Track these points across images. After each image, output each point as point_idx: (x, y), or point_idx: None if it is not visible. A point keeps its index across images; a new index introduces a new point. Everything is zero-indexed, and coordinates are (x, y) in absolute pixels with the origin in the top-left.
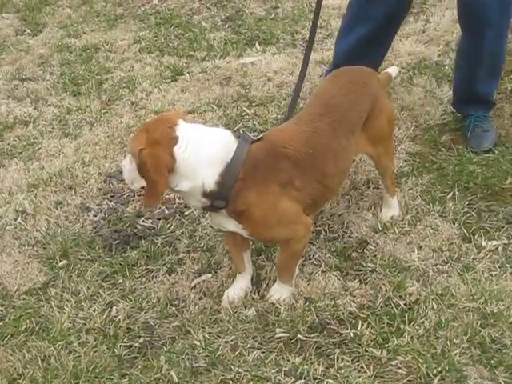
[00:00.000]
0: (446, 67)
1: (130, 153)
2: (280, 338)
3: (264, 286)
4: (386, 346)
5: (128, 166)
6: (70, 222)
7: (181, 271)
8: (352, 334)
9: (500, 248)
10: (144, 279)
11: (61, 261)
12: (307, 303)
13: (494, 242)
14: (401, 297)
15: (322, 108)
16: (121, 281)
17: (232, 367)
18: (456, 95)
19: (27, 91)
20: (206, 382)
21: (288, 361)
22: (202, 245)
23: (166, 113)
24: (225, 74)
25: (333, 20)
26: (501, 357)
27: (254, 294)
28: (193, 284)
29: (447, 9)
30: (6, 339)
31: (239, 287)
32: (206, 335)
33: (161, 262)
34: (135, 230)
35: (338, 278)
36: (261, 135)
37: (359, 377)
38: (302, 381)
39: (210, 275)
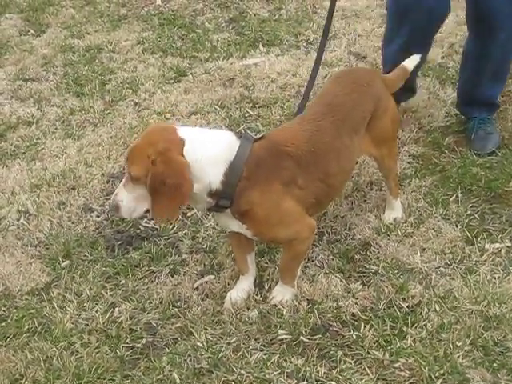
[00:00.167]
0: (450, 69)
1: (129, 180)
2: (282, 339)
3: (267, 287)
4: (389, 348)
5: (127, 195)
6: (72, 223)
7: (183, 272)
8: (354, 336)
9: (503, 251)
10: (146, 280)
11: (63, 261)
12: (310, 305)
13: (497, 245)
14: (403, 299)
15: (325, 107)
16: (123, 282)
17: (234, 369)
18: (460, 97)
19: (30, 91)
20: (208, 383)
21: (290, 363)
22: (204, 246)
23: (153, 126)
24: (228, 75)
25: (336, 22)
26: (503, 360)
27: (257, 295)
28: (195, 285)
29: (451, 11)
30: (9, 339)
31: (242, 289)
32: (209, 336)
33: (163, 263)
34: (138, 231)
35: (341, 280)
36: (262, 134)
37: (361, 379)
38: (305, 383)
39: (212, 276)
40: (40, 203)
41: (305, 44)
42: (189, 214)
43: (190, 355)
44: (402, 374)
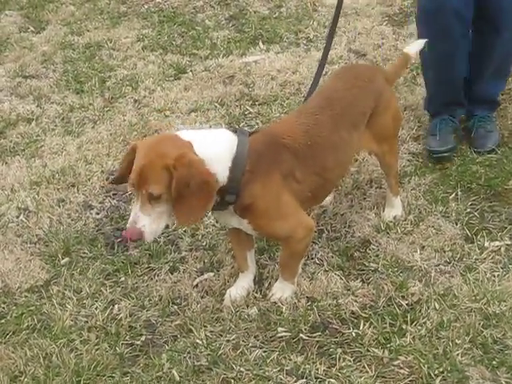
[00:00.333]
0: None
1: (146, 202)
2: (282, 337)
3: (266, 285)
4: (388, 346)
5: (148, 219)
6: (72, 220)
7: (183, 270)
8: (354, 334)
9: (503, 249)
10: (146, 277)
11: (63, 258)
12: (309, 302)
13: (497, 243)
14: (403, 297)
15: (323, 101)
16: (123, 279)
17: (234, 366)
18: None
19: (30, 88)
20: (207, 380)
21: (290, 360)
22: (204, 243)
23: (146, 141)
24: (228, 73)
25: None
26: (503, 357)
27: (256, 292)
28: (195, 282)
29: None
30: (8, 337)
31: (241, 286)
32: (208, 334)
33: (163, 260)
34: None
35: (341, 278)
36: (255, 128)
37: (361, 377)
38: (304, 380)
39: (212, 274)
40: (39, 200)
41: (305, 41)
42: None
43: (189, 352)
44: (402, 371)
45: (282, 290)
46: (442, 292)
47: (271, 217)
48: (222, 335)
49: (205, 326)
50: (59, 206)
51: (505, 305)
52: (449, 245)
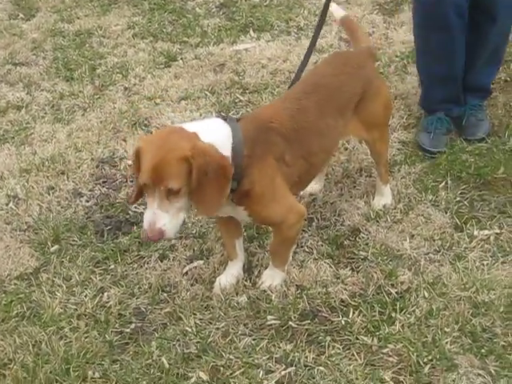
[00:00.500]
0: None
1: (164, 198)
2: (271, 325)
3: (256, 273)
4: (377, 334)
5: (168, 216)
6: (61, 208)
7: (173, 257)
8: (343, 322)
9: (492, 237)
10: (136, 265)
11: (52, 246)
12: (299, 291)
13: (486, 232)
14: (392, 285)
15: (309, 87)
16: (112, 267)
17: (223, 354)
18: None
19: (20, 76)
20: (196, 368)
21: (279, 348)
22: (194, 231)
23: (151, 137)
24: (218, 61)
25: (330, 7)
26: (491, 346)
27: (246, 281)
28: (184, 270)
29: None
30: None
31: (231, 274)
32: (198, 321)
33: (152, 248)
34: (127, 216)
35: (330, 266)
36: (240, 115)
37: (350, 364)
38: (293, 368)
39: (201, 262)
40: (29, 188)
41: (295, 30)
42: None
43: (178, 340)
44: (391, 359)
45: (272, 278)
46: (432, 280)
47: (267, 201)
48: (211, 323)
49: (194, 314)
50: (49, 194)
51: (494, 293)
52: (438, 233)
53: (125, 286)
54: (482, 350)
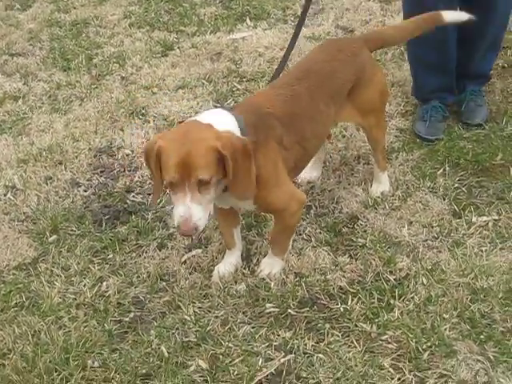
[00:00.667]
0: None
1: (195, 191)
2: (270, 312)
3: (254, 261)
4: (376, 320)
5: (201, 208)
6: (59, 198)
7: (171, 246)
8: (342, 309)
9: (490, 224)
10: (134, 254)
11: (51, 236)
12: (297, 278)
13: (484, 218)
14: (391, 272)
15: (300, 73)
16: (111, 256)
17: (222, 342)
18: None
19: (17, 66)
20: (196, 356)
21: (278, 335)
22: None
23: (172, 133)
24: (215, 50)
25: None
26: (490, 332)
27: (245, 269)
28: (183, 259)
29: None
30: None
31: (229, 262)
32: (197, 310)
33: (151, 237)
34: (125, 205)
35: (329, 254)
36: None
37: (349, 351)
38: (292, 355)
39: (200, 250)
40: (27, 178)
41: (292, 18)
42: None
43: (177, 329)
44: (390, 346)
45: (271, 266)
46: (430, 267)
47: (271, 186)
48: (210, 311)
49: (193, 303)
50: (47, 184)
51: (492, 279)
52: (436, 220)
53: (123, 275)
54: (481, 336)
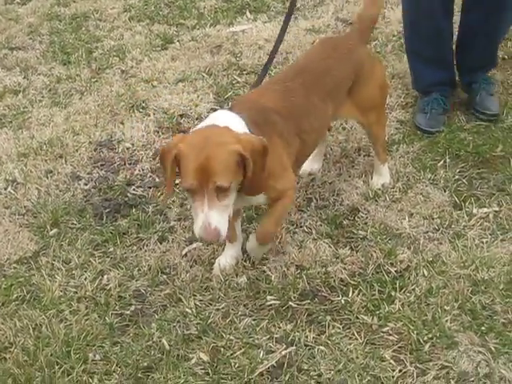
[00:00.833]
0: None
1: (214, 198)
2: (271, 305)
3: None
4: (377, 312)
5: (221, 215)
6: (60, 191)
7: (172, 239)
8: (343, 301)
9: (491, 215)
10: (135, 247)
11: (51, 229)
12: (298, 271)
13: (485, 210)
14: (392, 264)
15: (295, 71)
16: (112, 249)
17: (223, 334)
18: (462, 67)
19: (17, 60)
20: (197, 349)
21: (279, 328)
22: (192, 213)
23: (192, 137)
24: (215, 43)
25: None
26: (491, 323)
27: (245, 261)
28: (184, 252)
29: None
30: None
31: (230, 255)
32: (198, 303)
33: (152, 230)
34: (126, 199)
35: (329, 246)
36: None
37: (350, 343)
38: (293, 348)
39: (200, 243)
40: (27, 172)
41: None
42: (177, 181)
43: (179, 321)
44: (391, 338)
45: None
46: (431, 259)
47: (278, 176)
48: (211, 304)
49: (194, 295)
50: (47, 178)
51: (493, 271)
52: (437, 212)
53: (124, 269)
54: (482, 328)
